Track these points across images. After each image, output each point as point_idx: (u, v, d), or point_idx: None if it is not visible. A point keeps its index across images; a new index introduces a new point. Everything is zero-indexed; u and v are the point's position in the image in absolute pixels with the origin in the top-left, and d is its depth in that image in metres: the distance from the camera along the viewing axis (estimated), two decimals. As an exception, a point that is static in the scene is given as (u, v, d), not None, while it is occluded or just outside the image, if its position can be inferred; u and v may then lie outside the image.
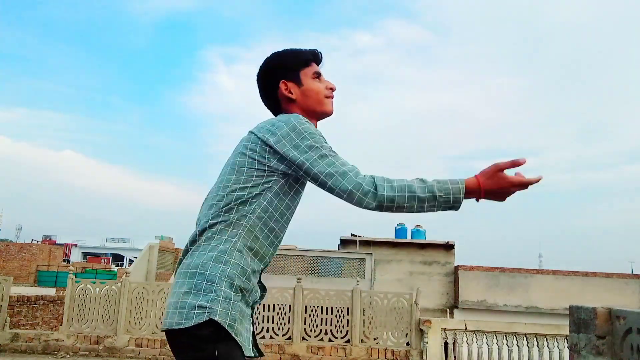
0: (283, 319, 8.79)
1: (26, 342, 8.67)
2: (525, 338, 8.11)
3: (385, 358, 8.54)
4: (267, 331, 8.71)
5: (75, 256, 58.40)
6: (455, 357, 8.69)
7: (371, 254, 13.56)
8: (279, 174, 1.53)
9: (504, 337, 8.19)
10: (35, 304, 13.67)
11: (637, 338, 2.10)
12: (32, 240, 44.47)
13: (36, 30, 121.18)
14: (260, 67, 1.73)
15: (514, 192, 1.49)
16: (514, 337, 8.13)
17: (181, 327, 1.39)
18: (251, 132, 1.60)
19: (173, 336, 1.43)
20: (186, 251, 1.54)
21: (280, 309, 8.83)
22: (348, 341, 8.71)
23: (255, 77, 1.75)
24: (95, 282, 9.21)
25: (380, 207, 1.44)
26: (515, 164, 1.46)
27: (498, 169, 1.46)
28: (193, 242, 1.53)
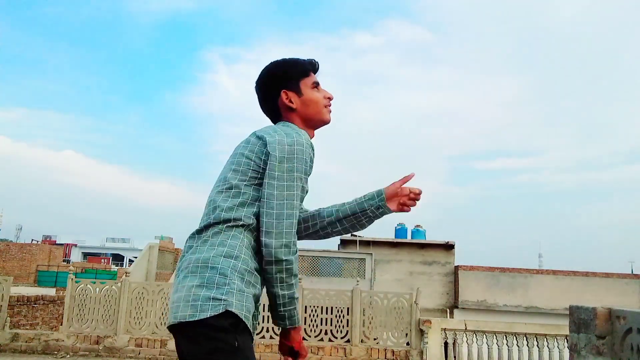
0: (283, 319, 8.78)
1: (26, 342, 8.67)
2: (525, 338, 8.11)
3: (385, 358, 8.54)
4: (267, 331, 8.71)
5: (75, 256, 58.41)
6: (455, 357, 8.69)
7: (371, 254, 13.57)
8: None
9: (504, 337, 8.19)
10: (35, 304, 13.67)
11: (637, 338, 2.10)
12: (32, 240, 44.49)
13: (36, 30, 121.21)
14: (261, 75, 1.77)
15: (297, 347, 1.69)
16: (514, 337, 8.13)
17: (195, 318, 1.39)
18: (253, 133, 1.65)
19: (184, 329, 1.43)
20: (190, 247, 1.55)
21: (280, 309, 8.82)
22: (348, 341, 8.71)
23: (255, 85, 1.79)
24: (95, 282, 9.21)
25: (273, 263, 1.51)
26: None
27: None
28: (197, 238, 1.55)
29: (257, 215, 1.56)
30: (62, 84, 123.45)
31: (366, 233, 16.60)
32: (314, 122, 1.75)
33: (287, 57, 1.79)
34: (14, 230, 57.77)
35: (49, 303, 14.44)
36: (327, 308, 8.85)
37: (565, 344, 7.94)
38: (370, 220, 1.75)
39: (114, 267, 41.42)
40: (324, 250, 13.49)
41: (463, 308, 15.57)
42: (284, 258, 1.50)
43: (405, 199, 1.70)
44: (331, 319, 8.80)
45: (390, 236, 16.86)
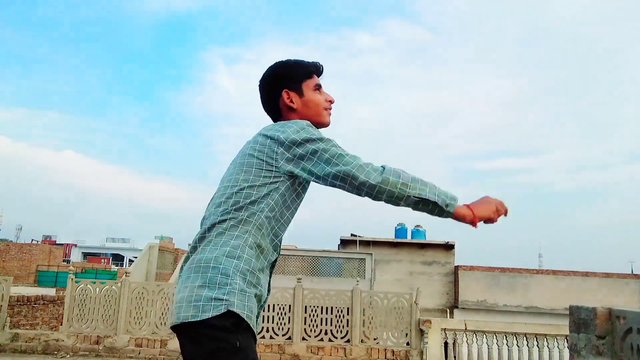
0: (283, 319, 8.79)
1: (26, 342, 8.67)
2: (525, 338, 8.11)
3: (385, 358, 8.54)
4: (267, 331, 8.71)
5: (75, 256, 58.39)
6: (455, 357, 8.69)
7: (371, 254, 13.55)
8: (285, 175, 1.59)
9: (504, 337, 8.19)
10: (35, 304, 13.67)
11: (637, 338, 2.10)
12: (32, 240, 44.48)
13: (36, 30, 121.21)
14: (264, 75, 1.79)
15: (495, 208, 1.60)
16: (514, 337, 8.13)
17: (197, 319, 1.40)
18: (260, 133, 1.66)
19: (187, 330, 1.43)
20: (194, 248, 1.56)
21: (280, 309, 8.83)
22: (348, 341, 8.71)
23: (258, 84, 1.81)
24: (95, 282, 9.21)
25: (387, 182, 1.49)
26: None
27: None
28: (202, 238, 1.56)
29: (266, 213, 1.57)
30: (62, 84, 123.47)
31: (366, 233, 16.61)
32: (313, 123, 1.76)
33: (292, 58, 1.81)
34: (14, 230, 57.78)
35: (49, 303, 14.43)
36: (327, 308, 8.85)
37: (565, 344, 7.94)
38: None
39: (114, 267, 41.41)
40: (324, 250, 13.48)
41: (463, 308, 15.57)
42: (375, 182, 1.48)
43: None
44: (331, 319, 8.80)
45: (390, 236, 16.86)
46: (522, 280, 15.88)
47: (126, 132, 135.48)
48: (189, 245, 1.61)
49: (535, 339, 8.11)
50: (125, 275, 9.28)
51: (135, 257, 20.14)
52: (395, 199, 1.50)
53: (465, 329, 8.31)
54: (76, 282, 9.02)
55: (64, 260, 38.29)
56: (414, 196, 1.50)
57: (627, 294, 15.51)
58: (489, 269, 16.19)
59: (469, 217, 1.56)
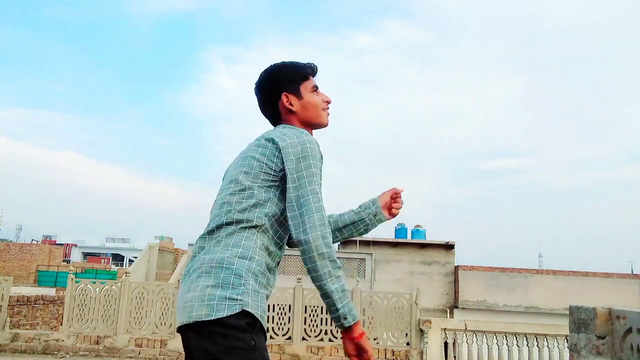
0: (283, 319, 8.80)
1: (26, 342, 8.67)
2: (525, 338, 8.11)
3: (385, 358, 8.54)
4: (267, 331, 8.70)
5: (75, 256, 58.41)
6: (455, 357, 8.69)
7: (371, 254, 13.57)
8: (282, 180, 1.61)
9: (504, 337, 8.19)
10: (35, 304, 13.67)
11: (637, 338, 2.10)
12: (32, 240, 44.53)
13: (36, 30, 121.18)
14: (261, 78, 1.81)
15: (367, 350, 1.54)
16: (514, 337, 8.13)
17: (212, 317, 1.41)
18: (263, 136, 1.67)
19: (199, 329, 1.43)
20: (201, 248, 1.56)
21: (280, 309, 8.83)
22: (348, 341, 8.70)
23: (255, 87, 1.82)
24: (95, 282, 9.21)
25: (316, 258, 1.48)
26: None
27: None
28: (210, 238, 1.56)
29: (269, 217, 1.58)
30: (62, 84, 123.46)
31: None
32: (312, 124, 1.79)
33: (287, 60, 1.82)
34: (14, 230, 57.86)
35: (49, 303, 14.44)
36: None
37: (565, 344, 7.94)
38: (368, 228, 1.89)
39: (114, 267, 41.42)
40: (324, 250, 13.47)
41: (463, 308, 15.57)
42: (325, 250, 1.50)
43: (391, 203, 1.90)
44: (331, 319, 8.79)
45: (390, 236, 16.87)
46: (522, 280, 15.88)
47: (126, 132, 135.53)
48: (195, 244, 1.61)
49: (535, 339, 8.11)
50: (125, 275, 9.28)
51: (135, 257, 20.15)
52: (313, 275, 1.50)
53: (465, 329, 8.31)
54: (76, 282, 9.02)
55: (64, 260, 38.30)
56: (326, 289, 1.49)
57: (627, 294, 15.51)
58: (489, 269, 16.19)
59: (356, 335, 1.53)
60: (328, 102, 1.82)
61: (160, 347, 8.62)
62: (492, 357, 8.20)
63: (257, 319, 1.46)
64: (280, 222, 1.62)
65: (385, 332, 8.78)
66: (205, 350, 1.42)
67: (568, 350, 7.40)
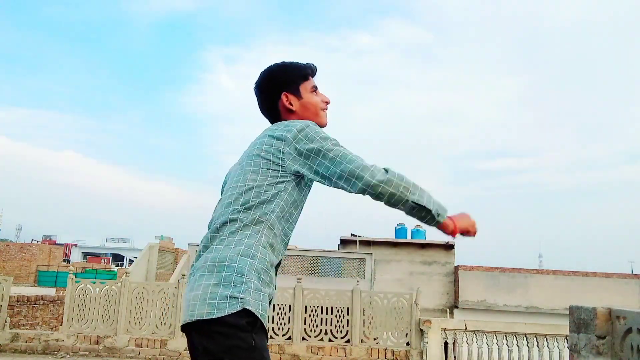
0: (283, 319, 8.79)
1: (26, 342, 8.67)
2: (525, 338, 8.11)
3: (385, 358, 8.54)
4: (267, 331, 8.71)
5: (75, 256, 58.40)
6: (455, 357, 8.68)
7: (371, 254, 13.56)
8: (291, 175, 1.61)
9: (504, 337, 8.18)
10: (35, 304, 13.67)
11: (637, 338, 2.10)
12: (32, 240, 44.52)
13: (36, 30, 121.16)
14: (262, 77, 1.82)
15: (473, 222, 1.68)
16: (514, 337, 8.13)
17: (213, 316, 1.41)
18: (265, 134, 1.67)
19: (201, 327, 1.44)
20: (205, 247, 1.57)
21: (280, 309, 8.83)
22: (348, 341, 8.71)
23: (255, 87, 1.83)
24: (95, 282, 9.21)
25: (390, 183, 1.53)
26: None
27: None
28: (213, 237, 1.57)
29: (276, 213, 1.58)
30: (62, 84, 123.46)
31: (366, 233, 16.61)
32: None
33: (287, 60, 1.83)
34: (14, 230, 57.87)
35: (49, 303, 14.43)
36: (327, 308, 8.85)
37: (565, 344, 7.94)
38: None
39: (114, 267, 41.40)
40: (324, 250, 13.49)
41: (463, 308, 15.57)
42: (378, 181, 1.52)
43: None
44: (331, 319, 8.80)
45: (390, 236, 16.86)
46: (522, 280, 15.88)
47: (126, 132, 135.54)
48: (200, 244, 1.61)
49: (535, 339, 8.11)
50: (125, 275, 9.27)
51: (135, 257, 20.14)
52: (394, 202, 1.55)
53: (465, 329, 8.31)
54: (76, 282, 9.02)
55: (64, 260, 38.29)
56: (412, 201, 1.54)
57: (627, 294, 15.50)
58: (489, 269, 16.19)
59: (451, 227, 1.62)
60: (327, 103, 1.83)
61: (160, 347, 8.62)
62: (492, 357, 8.20)
63: (258, 318, 1.45)
64: (287, 218, 1.62)
65: (385, 332, 8.78)
66: (207, 349, 1.42)
67: (568, 350, 7.40)
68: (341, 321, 8.79)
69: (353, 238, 16.30)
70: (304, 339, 8.74)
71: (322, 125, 1.81)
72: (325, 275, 13.05)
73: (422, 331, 8.52)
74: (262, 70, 1.83)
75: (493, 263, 16.83)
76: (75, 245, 61.98)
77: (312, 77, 1.83)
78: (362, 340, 8.70)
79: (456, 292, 15.92)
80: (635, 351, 2.09)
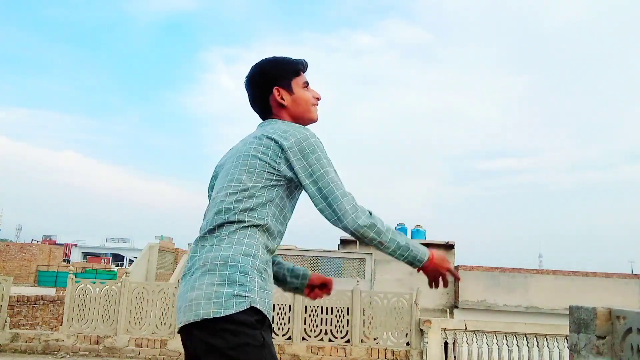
0: (283, 318, 8.79)
1: (26, 342, 8.67)
2: (525, 338, 8.11)
3: (385, 358, 8.54)
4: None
5: (75, 256, 58.39)
6: (455, 357, 8.68)
7: (371, 253, 13.56)
8: (285, 179, 1.61)
9: (504, 337, 8.18)
10: (35, 304, 13.67)
11: (637, 338, 2.10)
12: (32, 240, 44.52)
13: (36, 30, 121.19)
14: (253, 72, 1.81)
15: (444, 272, 1.71)
16: (514, 337, 8.13)
17: (220, 315, 1.41)
18: (262, 134, 1.65)
19: (207, 326, 1.42)
20: (202, 246, 1.55)
21: (280, 308, 8.83)
22: (348, 341, 8.71)
23: (246, 81, 1.83)
24: (95, 282, 9.21)
25: (368, 227, 1.57)
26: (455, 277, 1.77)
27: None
28: (211, 237, 1.55)
29: (270, 217, 1.59)
30: (62, 85, 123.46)
31: (366, 233, 16.56)
32: (302, 120, 1.79)
33: (278, 55, 1.83)
34: (14, 230, 57.86)
35: (49, 303, 14.43)
36: (327, 308, 8.85)
37: (565, 344, 7.94)
38: (284, 288, 1.94)
39: (114, 267, 41.41)
40: (324, 250, 13.48)
41: (463, 308, 15.56)
42: (363, 224, 1.55)
43: (317, 289, 1.95)
44: (331, 319, 8.80)
45: (390, 236, 16.82)
46: (522, 280, 15.87)
47: (126, 132, 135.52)
48: (195, 243, 1.60)
49: (535, 339, 8.11)
50: (125, 275, 9.27)
51: (135, 257, 20.13)
52: (374, 245, 1.60)
53: (465, 329, 8.31)
54: (76, 282, 9.02)
55: (64, 260, 38.28)
56: (387, 251, 1.61)
57: (627, 294, 15.50)
58: (489, 269, 16.18)
59: (426, 263, 1.68)
60: (318, 99, 1.84)
61: (160, 347, 8.62)
62: (492, 357, 8.19)
63: (266, 316, 1.46)
64: (280, 221, 1.63)
65: (385, 332, 8.78)
66: (213, 347, 1.41)
67: (568, 350, 7.40)
68: (341, 321, 8.79)
69: (353, 238, 16.28)
70: (304, 339, 8.74)
71: (313, 121, 1.82)
72: (325, 275, 13.03)
73: (422, 331, 8.51)
74: (254, 64, 1.82)
75: (493, 263, 16.85)
76: (75, 245, 61.98)
77: (304, 73, 1.83)
78: (362, 340, 8.70)
79: (456, 292, 15.91)
80: (635, 351, 2.09)
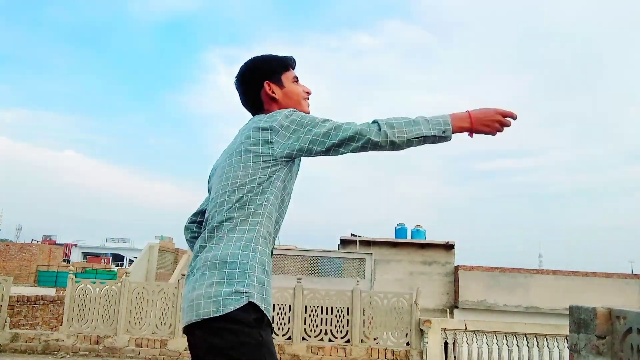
0: (283, 318, 8.79)
1: (26, 342, 8.67)
2: (525, 338, 8.11)
3: (385, 358, 8.54)
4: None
5: (75, 256, 58.39)
6: (455, 357, 8.68)
7: (371, 254, 13.56)
8: (282, 162, 1.61)
9: (504, 337, 8.18)
10: (35, 304, 13.66)
11: (637, 338, 2.10)
12: (32, 240, 44.48)
13: (36, 30, 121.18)
14: (243, 69, 1.83)
15: (499, 120, 1.67)
16: (514, 337, 8.13)
17: (220, 313, 1.41)
18: (250, 127, 1.67)
19: (208, 325, 1.43)
20: (203, 247, 1.57)
21: (280, 309, 8.83)
22: (348, 341, 8.71)
23: (236, 79, 1.84)
24: (95, 282, 9.21)
25: (387, 135, 1.56)
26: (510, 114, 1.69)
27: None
28: (210, 237, 1.57)
29: (271, 201, 1.59)
30: (62, 85, 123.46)
31: (366, 233, 16.61)
32: None
33: (266, 53, 1.85)
34: (14, 230, 57.70)
35: (49, 303, 14.43)
36: (327, 308, 8.85)
37: (565, 344, 7.94)
38: None
39: (114, 267, 41.40)
40: (324, 250, 13.48)
41: (463, 308, 15.57)
42: (382, 135, 1.56)
43: None
44: (331, 319, 8.80)
45: (390, 236, 16.86)
46: (522, 280, 15.88)
47: (126, 132, 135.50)
48: (196, 244, 1.62)
49: (535, 339, 8.11)
50: (125, 275, 9.27)
51: (135, 257, 20.14)
52: (397, 147, 1.60)
53: (465, 329, 8.31)
54: (76, 282, 9.02)
55: (64, 260, 38.28)
56: (413, 139, 1.59)
57: (627, 294, 15.50)
58: (489, 269, 16.19)
59: (467, 128, 1.65)
60: (308, 93, 1.86)
61: (160, 347, 8.62)
62: (492, 357, 8.20)
63: (265, 314, 1.47)
64: (280, 205, 1.64)
65: (385, 332, 8.78)
66: (213, 346, 1.42)
67: (568, 350, 7.40)
68: (341, 321, 8.79)
69: (353, 238, 16.30)
70: (304, 339, 8.74)
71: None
72: (325, 275, 13.04)
73: (422, 331, 8.51)
74: (243, 63, 1.84)
75: (493, 263, 16.83)
76: (75, 245, 61.97)
77: (293, 69, 1.85)
78: (362, 340, 8.70)
79: (456, 292, 15.92)
80: (635, 351, 2.09)
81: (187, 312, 1.48)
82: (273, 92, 1.77)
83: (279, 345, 8.59)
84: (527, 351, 8.09)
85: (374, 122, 1.59)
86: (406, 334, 8.72)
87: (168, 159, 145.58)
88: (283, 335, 8.73)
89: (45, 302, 14.22)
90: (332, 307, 8.84)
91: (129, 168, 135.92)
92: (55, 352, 8.57)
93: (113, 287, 8.99)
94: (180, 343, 8.51)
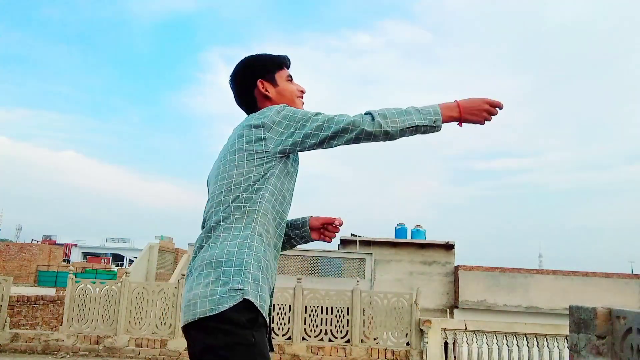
0: (283, 319, 8.79)
1: (26, 342, 8.67)
2: (525, 338, 8.11)
3: (385, 358, 8.54)
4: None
5: (75, 256, 58.38)
6: (455, 357, 8.68)
7: (371, 254, 13.57)
8: (276, 158, 1.61)
9: (504, 337, 8.19)
10: (35, 304, 13.66)
11: (637, 338, 2.10)
12: (32, 240, 44.49)
13: (37, 30, 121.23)
14: (237, 68, 1.84)
15: (486, 110, 1.66)
16: (514, 337, 8.13)
17: (215, 312, 1.42)
18: (242, 126, 1.67)
19: (203, 324, 1.44)
20: (200, 247, 1.57)
21: (280, 309, 8.83)
22: (348, 341, 8.70)
23: (230, 79, 1.86)
24: (95, 282, 9.21)
25: (380, 125, 1.57)
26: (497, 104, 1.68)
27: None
28: (208, 237, 1.57)
29: (267, 198, 1.59)
30: (62, 85, 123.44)
31: (366, 233, 16.60)
32: None
33: (260, 52, 1.86)
34: (14, 230, 57.72)
35: (49, 303, 14.42)
36: (327, 308, 8.84)
37: (565, 344, 7.94)
38: (293, 246, 1.94)
39: (114, 267, 41.41)
40: (324, 250, 13.48)
41: (463, 308, 15.57)
42: (374, 125, 1.57)
43: (323, 231, 1.88)
44: (331, 319, 8.80)
45: (390, 236, 16.86)
46: (522, 280, 15.88)
47: (126, 132, 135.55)
48: (195, 245, 1.62)
49: (535, 339, 8.11)
50: (125, 275, 9.27)
51: (135, 257, 20.13)
52: (391, 137, 1.60)
53: (465, 329, 8.31)
54: (76, 282, 9.02)
55: (64, 260, 38.28)
56: (406, 128, 1.60)
57: (627, 294, 15.51)
58: (489, 269, 16.19)
59: (456, 117, 1.65)
60: (302, 91, 1.86)
61: (160, 347, 8.62)
62: (492, 357, 8.20)
63: (259, 314, 1.46)
64: (280, 201, 1.63)
65: (385, 332, 8.78)
66: (207, 346, 1.43)
67: (568, 350, 7.40)
68: (341, 321, 8.78)
69: (353, 238, 16.30)
70: (304, 339, 8.74)
71: None
72: (325, 275, 13.05)
73: (422, 331, 8.51)
74: (237, 62, 1.85)
75: (493, 263, 16.83)
76: (75, 245, 61.97)
77: (287, 68, 1.85)
78: (362, 340, 8.70)
79: (456, 292, 15.92)
80: (635, 351, 2.09)
81: (185, 312, 1.48)
82: (266, 91, 1.77)
83: (279, 345, 8.59)
84: (527, 351, 8.09)
85: (367, 113, 1.59)
86: (406, 334, 8.72)
87: (168, 159, 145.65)
88: (283, 335, 8.73)
89: (45, 302, 14.21)
90: (332, 307, 8.84)
91: (129, 168, 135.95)
92: (55, 352, 8.57)
93: (113, 287, 8.99)
94: (180, 343, 8.51)
